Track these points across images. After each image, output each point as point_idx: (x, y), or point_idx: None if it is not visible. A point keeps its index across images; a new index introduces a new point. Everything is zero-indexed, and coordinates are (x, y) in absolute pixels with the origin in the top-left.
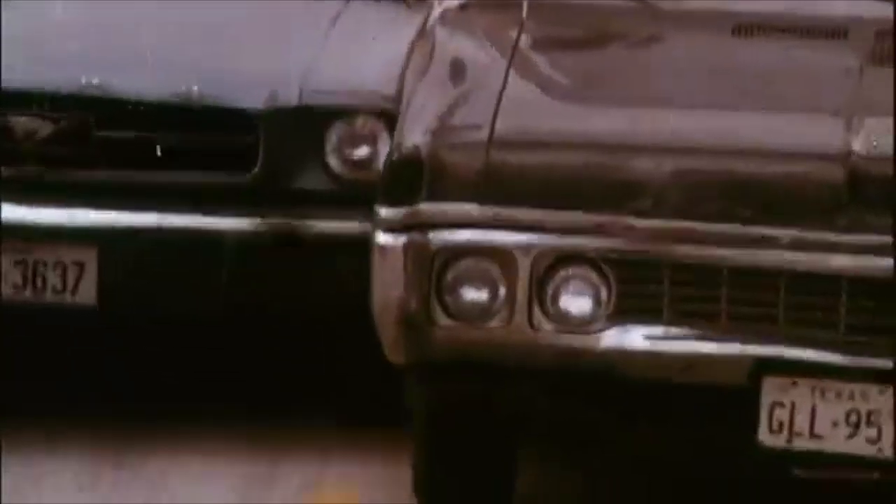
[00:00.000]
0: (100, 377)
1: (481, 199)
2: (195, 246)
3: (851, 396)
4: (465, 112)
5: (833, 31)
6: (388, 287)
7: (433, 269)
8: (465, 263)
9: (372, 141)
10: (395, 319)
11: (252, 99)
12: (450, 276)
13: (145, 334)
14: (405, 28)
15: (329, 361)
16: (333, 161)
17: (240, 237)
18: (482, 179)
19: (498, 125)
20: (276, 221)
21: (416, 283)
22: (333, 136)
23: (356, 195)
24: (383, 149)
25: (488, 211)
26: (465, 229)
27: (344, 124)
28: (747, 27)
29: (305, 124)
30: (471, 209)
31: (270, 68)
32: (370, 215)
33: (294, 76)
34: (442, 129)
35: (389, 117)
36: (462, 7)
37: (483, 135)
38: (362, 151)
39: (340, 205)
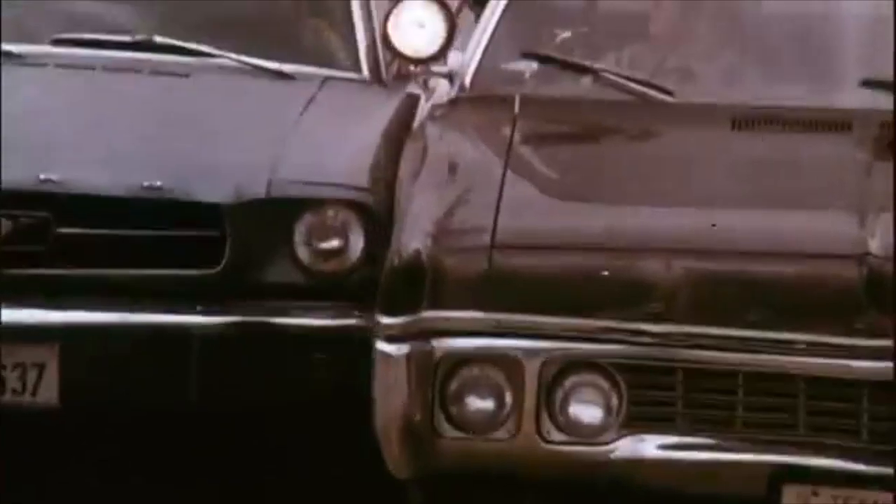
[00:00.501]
0: (63, 479)
1: (485, 306)
2: (161, 343)
3: None
4: (465, 215)
5: (836, 124)
6: (390, 397)
7: (437, 378)
8: (470, 371)
9: (342, 232)
10: (399, 431)
11: (218, 192)
12: (454, 385)
13: (110, 434)
14: (380, 111)
15: (303, 457)
16: (303, 253)
17: (208, 333)
18: (485, 285)
19: (499, 228)
20: (245, 317)
21: (420, 392)
22: (302, 228)
23: (327, 287)
24: (355, 240)
25: (493, 317)
26: (469, 337)
27: (313, 215)
28: (746, 121)
29: (273, 216)
30: (475, 316)
31: (237, 159)
32: (342, 308)
33: (262, 167)
34: (442, 234)
35: (360, 207)
36: (452, 103)
37: (485, 239)
38: (333, 243)
39: (311, 297)
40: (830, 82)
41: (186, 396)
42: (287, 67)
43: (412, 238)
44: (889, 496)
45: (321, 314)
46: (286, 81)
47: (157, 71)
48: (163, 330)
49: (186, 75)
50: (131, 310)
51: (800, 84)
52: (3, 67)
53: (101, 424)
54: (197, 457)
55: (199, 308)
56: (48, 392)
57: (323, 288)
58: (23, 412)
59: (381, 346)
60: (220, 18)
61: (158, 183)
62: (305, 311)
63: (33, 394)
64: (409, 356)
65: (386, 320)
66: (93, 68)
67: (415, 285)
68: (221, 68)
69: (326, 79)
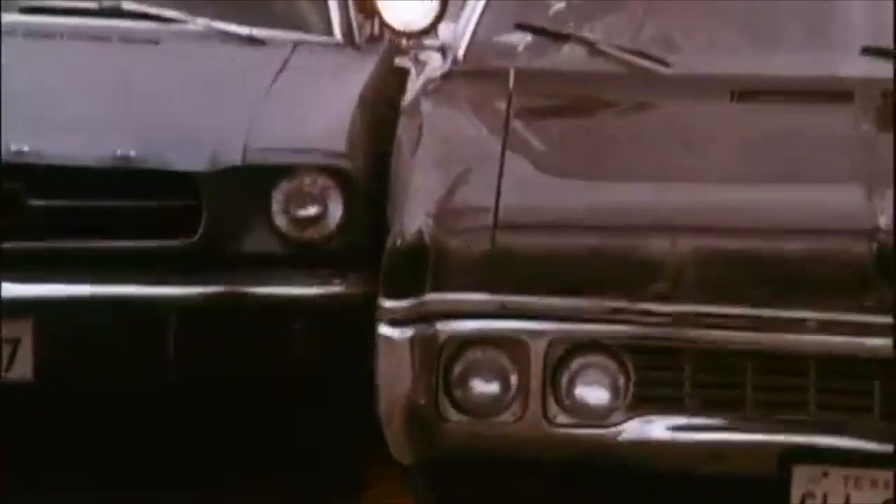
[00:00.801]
0: (39, 455)
1: (489, 287)
2: (138, 316)
3: (887, 485)
4: (466, 195)
5: (838, 94)
6: (393, 382)
7: (441, 362)
8: (475, 354)
9: (321, 199)
10: (403, 415)
11: (192, 160)
12: (459, 368)
13: (86, 409)
14: (355, 75)
15: (282, 428)
16: (281, 221)
17: (184, 305)
18: (489, 266)
19: (501, 208)
20: (222, 287)
21: (424, 376)
22: (279, 196)
23: (306, 255)
24: (334, 206)
25: (497, 299)
26: (473, 319)
27: (290, 183)
28: (745, 92)
29: (250, 184)
30: (479, 298)
31: (211, 127)
32: (321, 276)
33: (236, 134)
34: (443, 214)
35: (339, 173)
36: (445, 77)
37: (487, 219)
38: (311, 210)
39: (290, 266)
40: (830, 50)
41: (164, 370)
42: (258, 32)
43: (413, 219)
44: None
45: (300, 283)
46: (257, 47)
47: (126, 38)
48: (139, 302)
49: (156, 42)
50: (106, 282)
51: (798, 53)
52: None
53: (77, 399)
54: (175, 431)
55: (175, 279)
56: (23, 368)
57: (302, 256)
58: None
59: (385, 329)
60: None
61: (132, 152)
62: (284, 280)
63: (7, 370)
64: (412, 339)
65: (389, 303)
66: (61, 36)
67: (417, 267)
68: (191, 34)
69: (298, 43)
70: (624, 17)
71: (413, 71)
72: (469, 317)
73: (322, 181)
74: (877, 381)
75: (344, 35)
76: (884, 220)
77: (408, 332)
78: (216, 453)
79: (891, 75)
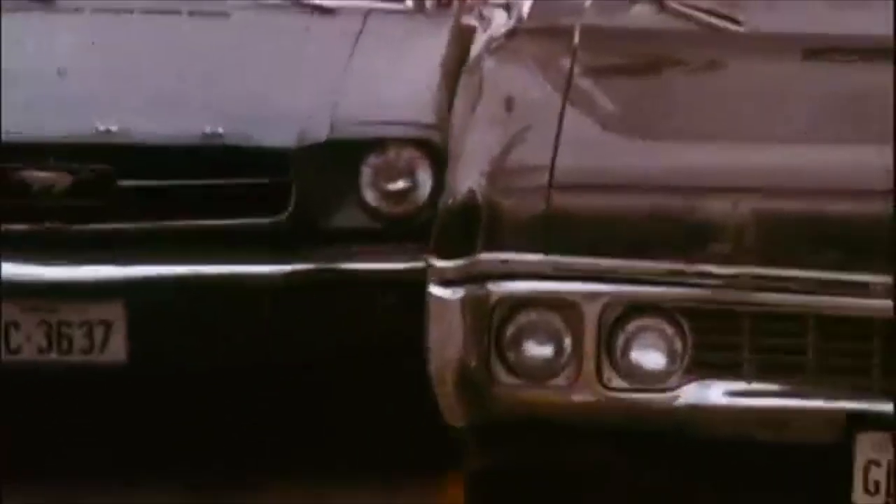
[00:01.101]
0: (132, 437)
1: (543, 248)
2: (229, 295)
3: None
4: (522, 153)
5: None
6: (444, 344)
7: (493, 324)
8: (527, 316)
9: (410, 172)
10: (453, 378)
11: (280, 137)
12: (511, 330)
13: (181, 390)
14: (431, 41)
15: (376, 405)
16: (370, 196)
17: (277, 283)
18: (543, 226)
19: (557, 167)
20: (314, 264)
21: (475, 338)
22: (368, 170)
23: (397, 230)
24: (423, 179)
25: (550, 260)
26: (526, 280)
27: (378, 156)
28: (819, 51)
29: (338, 159)
30: (532, 258)
31: (295, 102)
32: (412, 250)
33: (322, 109)
34: (498, 173)
35: (427, 145)
36: (509, 35)
37: (543, 178)
38: (400, 184)
39: (381, 241)
40: None
41: (258, 348)
42: (328, 1)
43: (467, 178)
44: None
45: (391, 258)
46: (329, 16)
47: (195, 11)
48: (231, 282)
49: (226, 14)
50: (197, 262)
51: (872, 11)
52: (38, 14)
53: (171, 381)
54: (267, 409)
55: (266, 257)
56: (116, 350)
57: (393, 231)
58: (91, 370)
59: (435, 290)
60: None
61: (220, 130)
62: (375, 256)
63: (101, 351)
64: (463, 300)
65: (440, 263)
66: (130, 11)
67: (469, 227)
68: (261, 5)
69: (370, 11)
70: None
71: (479, 28)
72: (522, 278)
73: (410, 154)
74: None
75: (414, 0)
76: None
77: (459, 292)
78: (308, 430)
79: None
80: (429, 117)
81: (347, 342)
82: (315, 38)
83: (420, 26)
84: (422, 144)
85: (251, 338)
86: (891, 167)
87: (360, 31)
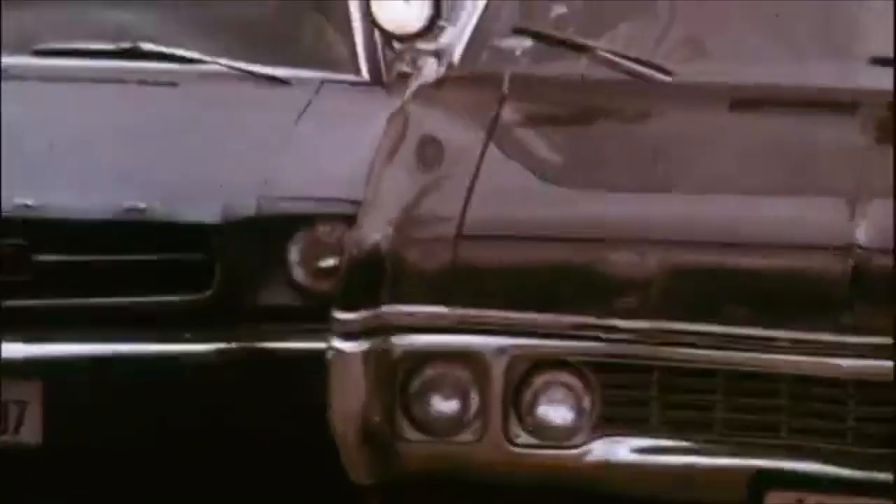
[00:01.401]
0: None
1: (449, 300)
2: (150, 375)
3: None
4: (434, 202)
5: (840, 105)
6: (348, 399)
7: (398, 378)
8: (433, 370)
9: (340, 249)
10: (357, 434)
11: (204, 212)
12: (416, 384)
13: (98, 471)
14: (381, 115)
15: (303, 486)
16: (298, 274)
17: (199, 362)
18: (449, 278)
19: (468, 217)
20: (238, 344)
21: (380, 393)
22: (296, 247)
23: (326, 309)
24: None
25: (457, 312)
26: (431, 333)
27: (307, 233)
28: (746, 102)
29: (265, 236)
30: (437, 311)
31: (225, 176)
32: None
33: (252, 183)
34: (406, 222)
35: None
36: (439, 83)
37: (451, 228)
38: (329, 261)
39: (309, 320)
40: (838, 60)
41: (178, 428)
42: (281, 72)
43: (374, 226)
44: (878, 502)
45: (320, 337)
46: (281, 87)
47: (143, 80)
48: (151, 361)
49: (175, 84)
50: (117, 341)
51: (805, 62)
52: None
53: (87, 462)
54: (192, 491)
55: (188, 336)
56: (31, 430)
57: (321, 309)
58: (5, 451)
59: (338, 343)
60: (209, 22)
61: (141, 205)
62: (303, 335)
63: (15, 432)
64: (367, 354)
65: (342, 315)
66: (76, 80)
67: (374, 279)
68: (212, 75)
69: (323, 82)
70: (627, 24)
71: (410, 76)
72: (427, 331)
73: (340, 231)
74: (852, 404)
75: (370, 72)
76: (862, 237)
77: (363, 345)
78: None
79: None
80: (360, 193)
81: (277, 421)
82: (260, 108)
83: (373, 99)
84: (352, 221)
85: (171, 418)
86: (797, 220)
87: (309, 103)
